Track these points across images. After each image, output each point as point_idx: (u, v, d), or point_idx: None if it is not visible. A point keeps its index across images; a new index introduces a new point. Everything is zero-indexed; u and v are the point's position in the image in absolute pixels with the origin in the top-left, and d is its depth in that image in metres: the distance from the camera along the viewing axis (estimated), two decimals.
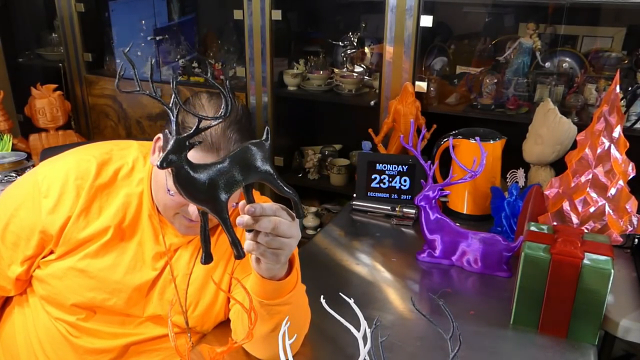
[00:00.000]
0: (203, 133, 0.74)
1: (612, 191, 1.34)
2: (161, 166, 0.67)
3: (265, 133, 0.79)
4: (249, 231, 0.81)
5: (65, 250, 0.99)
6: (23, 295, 1.08)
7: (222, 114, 0.71)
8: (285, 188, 0.79)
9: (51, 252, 1.01)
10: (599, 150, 1.33)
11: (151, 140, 1.05)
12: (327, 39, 2.41)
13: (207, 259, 0.76)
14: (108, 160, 1.04)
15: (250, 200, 0.80)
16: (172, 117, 0.68)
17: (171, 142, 0.68)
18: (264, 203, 0.80)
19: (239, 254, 0.75)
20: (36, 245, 0.99)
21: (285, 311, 0.90)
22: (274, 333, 0.92)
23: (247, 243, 0.81)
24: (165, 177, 0.96)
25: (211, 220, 0.76)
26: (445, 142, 1.66)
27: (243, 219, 0.78)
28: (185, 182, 0.70)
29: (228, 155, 0.74)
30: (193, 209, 0.95)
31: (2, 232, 1.00)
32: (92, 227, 1.00)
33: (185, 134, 0.68)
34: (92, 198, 1.00)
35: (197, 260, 1.06)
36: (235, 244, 0.75)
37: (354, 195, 1.73)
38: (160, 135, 1.00)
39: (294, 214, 0.83)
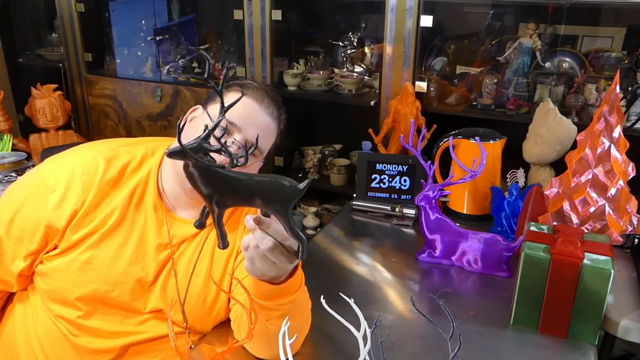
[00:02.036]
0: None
1: (612, 191, 1.33)
2: (169, 155, 0.68)
3: (305, 183, 0.75)
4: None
5: (68, 245, 1.00)
6: (24, 293, 1.08)
7: (236, 162, 0.72)
8: (295, 230, 0.75)
9: (55, 247, 1.01)
10: (599, 150, 1.33)
11: None
12: (327, 39, 2.41)
13: (201, 226, 0.78)
14: (115, 156, 1.05)
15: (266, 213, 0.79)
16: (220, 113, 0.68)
17: (194, 143, 0.68)
18: (276, 223, 0.78)
19: (223, 245, 0.76)
20: (40, 240, 1.00)
21: (276, 316, 0.90)
22: (269, 333, 0.92)
23: (245, 238, 0.82)
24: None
25: None
26: (445, 142, 1.65)
27: (249, 221, 0.78)
28: (190, 174, 0.71)
29: (254, 176, 0.73)
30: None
31: (7, 226, 1.01)
32: (97, 220, 1.01)
33: (209, 146, 0.68)
34: (102, 194, 1.01)
35: (200, 258, 1.06)
36: (222, 236, 0.76)
37: (354, 195, 1.73)
38: (200, 106, 1.05)
39: (298, 253, 0.80)
